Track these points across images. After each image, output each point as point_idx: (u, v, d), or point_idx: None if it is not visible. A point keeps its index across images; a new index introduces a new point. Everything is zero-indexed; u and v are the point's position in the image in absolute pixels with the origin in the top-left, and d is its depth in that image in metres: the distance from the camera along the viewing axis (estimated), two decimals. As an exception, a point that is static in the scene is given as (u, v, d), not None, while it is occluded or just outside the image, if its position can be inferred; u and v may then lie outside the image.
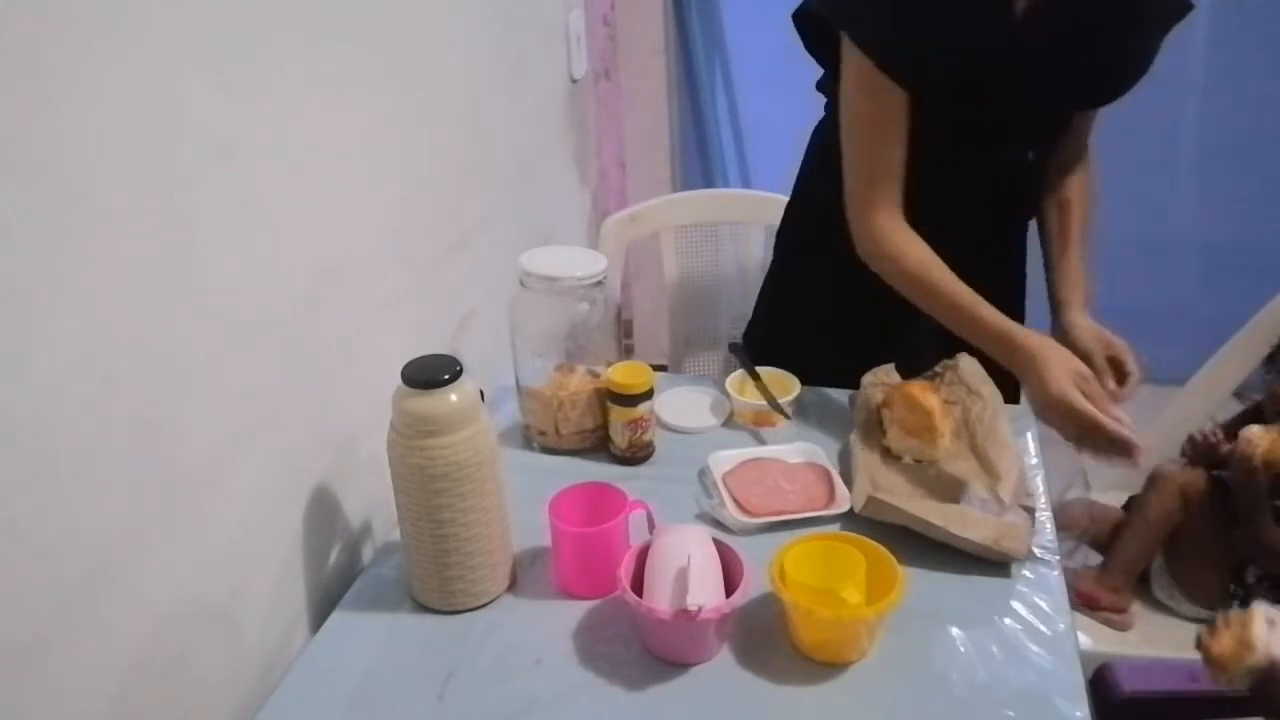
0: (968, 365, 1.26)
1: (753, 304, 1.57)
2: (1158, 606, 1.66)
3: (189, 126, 0.79)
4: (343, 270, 1.05)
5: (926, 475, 1.15)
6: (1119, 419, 1.03)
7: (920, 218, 1.20)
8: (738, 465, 1.19)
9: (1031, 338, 1.11)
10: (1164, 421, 1.87)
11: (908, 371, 1.31)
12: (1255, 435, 1.48)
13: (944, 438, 1.15)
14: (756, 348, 1.59)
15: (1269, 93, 2.62)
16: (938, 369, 1.29)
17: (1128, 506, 1.75)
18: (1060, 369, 1.06)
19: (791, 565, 0.94)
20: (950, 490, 1.12)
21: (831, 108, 1.29)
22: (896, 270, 1.18)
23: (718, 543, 0.97)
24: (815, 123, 1.40)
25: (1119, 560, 1.65)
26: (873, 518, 1.09)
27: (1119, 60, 1.18)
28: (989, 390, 1.23)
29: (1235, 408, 1.70)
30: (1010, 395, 1.27)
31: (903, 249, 1.17)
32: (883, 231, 1.18)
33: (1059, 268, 1.25)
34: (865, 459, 1.17)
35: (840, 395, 1.37)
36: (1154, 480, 1.64)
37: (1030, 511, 1.06)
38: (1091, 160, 1.30)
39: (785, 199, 1.50)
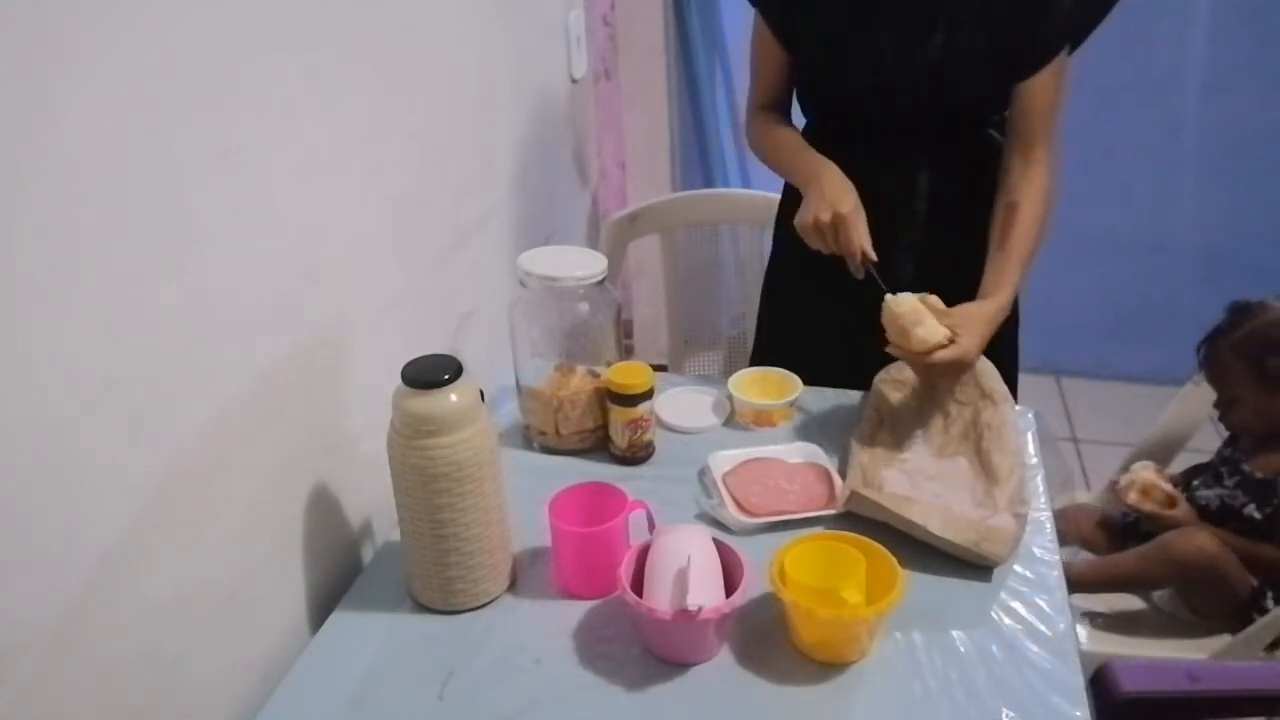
0: (983, 367, 1.26)
1: (752, 303, 1.57)
2: (1159, 610, 1.66)
3: (189, 127, 0.79)
4: (343, 270, 1.05)
5: (925, 475, 1.15)
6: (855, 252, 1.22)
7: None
8: (738, 465, 1.19)
9: (822, 166, 1.28)
10: (1164, 422, 1.87)
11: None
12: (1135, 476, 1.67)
13: (921, 328, 1.14)
14: (756, 347, 1.59)
15: (1269, 93, 2.63)
16: None
17: (1134, 525, 1.73)
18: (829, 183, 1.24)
19: (791, 565, 0.94)
20: (947, 491, 1.11)
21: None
22: (758, 145, 1.42)
23: (718, 543, 0.97)
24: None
25: (1114, 574, 1.64)
26: (856, 513, 1.09)
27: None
28: (1002, 395, 1.23)
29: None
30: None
31: (761, 131, 1.41)
32: (753, 120, 1.43)
33: (991, 261, 1.25)
34: (863, 456, 1.17)
35: (840, 395, 1.37)
36: (1172, 550, 1.58)
37: (1021, 520, 1.06)
38: (1050, 171, 1.28)
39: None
